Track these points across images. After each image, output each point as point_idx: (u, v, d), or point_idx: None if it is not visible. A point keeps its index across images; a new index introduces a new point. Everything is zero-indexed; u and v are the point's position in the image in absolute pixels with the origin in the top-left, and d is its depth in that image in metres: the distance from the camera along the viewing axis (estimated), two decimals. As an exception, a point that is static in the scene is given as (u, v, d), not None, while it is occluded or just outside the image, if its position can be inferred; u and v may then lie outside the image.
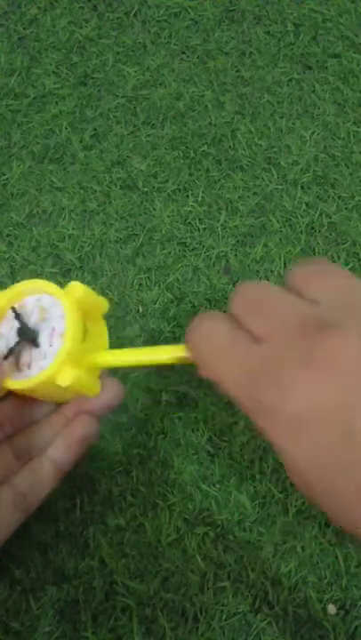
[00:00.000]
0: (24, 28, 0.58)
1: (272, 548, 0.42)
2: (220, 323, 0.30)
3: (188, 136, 0.55)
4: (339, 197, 0.53)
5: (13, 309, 0.38)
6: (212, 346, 0.30)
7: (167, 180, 0.53)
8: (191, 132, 0.55)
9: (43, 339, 0.37)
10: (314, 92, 0.58)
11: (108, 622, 0.40)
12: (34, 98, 0.56)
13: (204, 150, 0.55)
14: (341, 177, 0.54)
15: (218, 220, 0.52)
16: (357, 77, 0.58)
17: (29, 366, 0.37)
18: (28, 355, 0.37)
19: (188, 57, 0.58)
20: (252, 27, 0.60)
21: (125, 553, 0.42)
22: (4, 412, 0.39)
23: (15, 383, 0.36)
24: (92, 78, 0.57)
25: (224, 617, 0.40)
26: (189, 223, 0.52)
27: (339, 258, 0.51)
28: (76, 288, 0.36)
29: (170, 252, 0.51)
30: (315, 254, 0.51)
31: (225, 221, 0.52)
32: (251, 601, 0.41)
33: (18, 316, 0.37)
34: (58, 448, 0.38)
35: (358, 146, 0.55)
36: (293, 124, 0.56)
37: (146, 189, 0.53)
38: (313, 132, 0.56)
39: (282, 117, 0.56)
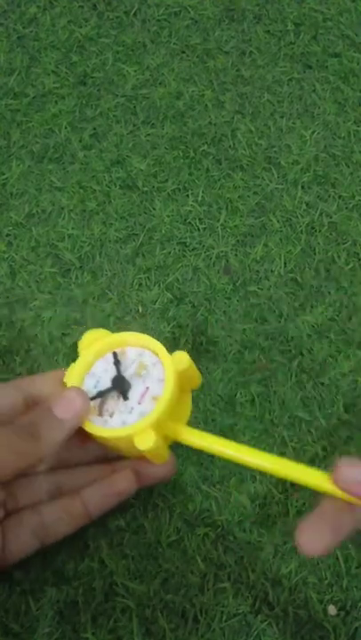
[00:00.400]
0: (23, 27, 0.58)
1: (272, 549, 0.42)
2: None
3: (187, 135, 0.55)
4: (339, 197, 0.53)
5: (115, 354, 0.39)
6: None
7: (167, 180, 0.53)
8: (191, 131, 0.55)
9: (133, 394, 0.38)
10: (314, 91, 0.57)
11: (107, 623, 0.40)
12: (33, 97, 0.56)
13: (204, 150, 0.54)
14: (342, 176, 0.54)
15: (218, 220, 0.52)
16: (358, 77, 0.58)
17: (111, 415, 0.37)
18: (113, 404, 0.38)
19: (187, 56, 0.58)
20: (252, 26, 0.60)
21: (125, 554, 0.42)
22: (68, 445, 0.39)
23: (94, 428, 0.36)
24: (92, 77, 0.57)
25: (224, 618, 0.40)
26: (189, 223, 0.52)
27: (339, 258, 0.51)
28: (183, 359, 0.37)
29: (170, 252, 0.51)
30: (315, 254, 0.51)
31: (225, 221, 0.52)
32: (251, 602, 0.41)
33: (117, 363, 0.38)
34: (94, 494, 0.38)
35: (359, 145, 0.55)
36: (294, 123, 0.56)
37: (146, 189, 0.53)
38: (313, 132, 0.56)
39: (282, 117, 0.56)
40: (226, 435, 0.45)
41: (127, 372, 0.38)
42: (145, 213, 0.52)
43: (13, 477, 0.34)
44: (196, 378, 0.39)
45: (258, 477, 0.44)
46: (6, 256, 0.50)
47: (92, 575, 0.41)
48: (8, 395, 0.37)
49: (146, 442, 0.35)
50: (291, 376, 0.47)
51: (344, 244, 0.51)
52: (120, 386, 0.37)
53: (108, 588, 0.41)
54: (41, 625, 0.40)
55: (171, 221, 0.52)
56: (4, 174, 0.53)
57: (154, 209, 0.52)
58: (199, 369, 0.46)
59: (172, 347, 0.46)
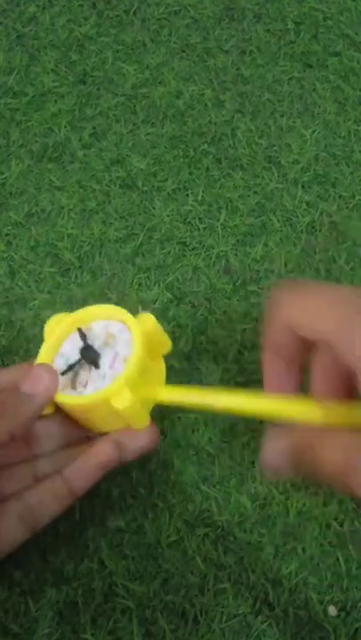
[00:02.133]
0: (23, 26, 0.58)
1: (273, 550, 0.42)
2: None
3: (187, 135, 0.55)
4: (340, 196, 0.53)
5: (80, 330, 0.38)
6: None
7: (167, 179, 0.53)
8: (191, 130, 0.55)
9: (104, 361, 0.37)
10: (314, 90, 0.57)
11: (107, 624, 0.40)
12: (33, 96, 0.56)
13: (203, 149, 0.54)
14: (342, 176, 0.54)
15: (218, 220, 0.52)
16: (358, 76, 0.58)
17: (85, 386, 0.37)
18: (86, 375, 0.38)
19: (187, 55, 0.58)
20: (252, 25, 0.60)
21: (125, 554, 0.41)
22: (48, 429, 0.38)
23: (68, 397, 0.36)
24: (92, 76, 0.57)
25: (224, 618, 0.40)
26: (189, 222, 0.52)
27: (339, 257, 0.51)
28: (148, 320, 0.37)
29: (169, 252, 0.51)
30: (315, 254, 0.51)
31: (225, 221, 0.52)
32: (251, 602, 0.41)
33: (83, 337, 0.38)
34: (74, 470, 0.37)
35: (359, 145, 0.55)
36: (294, 122, 0.56)
37: (145, 188, 0.53)
38: (313, 131, 0.55)
39: (282, 116, 0.56)
40: (226, 434, 0.45)
41: (96, 344, 0.38)
42: (145, 213, 0.52)
43: None
44: (165, 342, 0.39)
45: (258, 478, 0.44)
46: (6, 256, 0.50)
47: (91, 576, 0.41)
48: None
49: (122, 401, 0.34)
50: (291, 376, 0.47)
51: (344, 243, 0.51)
52: (89, 355, 0.37)
53: (107, 588, 0.41)
54: (40, 626, 0.40)
55: (171, 221, 0.52)
56: (3, 173, 0.52)
57: (154, 208, 0.52)
58: (199, 369, 0.46)
59: (171, 346, 0.46)
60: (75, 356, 0.38)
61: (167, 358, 0.46)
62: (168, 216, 0.52)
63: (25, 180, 0.52)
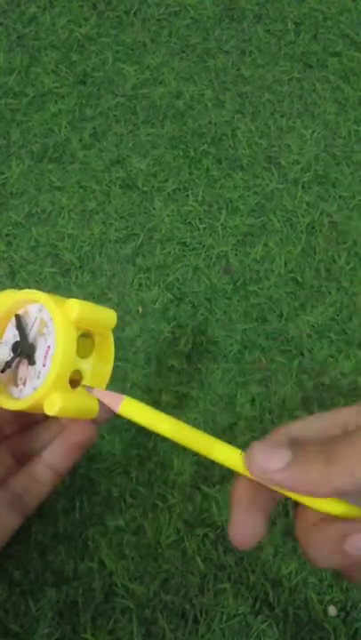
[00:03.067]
0: (23, 27, 0.58)
1: (273, 550, 0.42)
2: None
3: (187, 135, 0.55)
4: (340, 197, 0.53)
5: (17, 317, 0.36)
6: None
7: (167, 180, 0.53)
8: (191, 130, 0.55)
9: (38, 355, 0.34)
10: (314, 90, 0.57)
11: (107, 624, 0.40)
12: (33, 97, 0.56)
13: (204, 149, 0.54)
14: (342, 176, 0.54)
15: (218, 220, 0.52)
16: (358, 76, 0.58)
17: (24, 383, 0.35)
18: (24, 370, 0.35)
19: (187, 55, 0.58)
20: (252, 25, 0.60)
21: (125, 554, 0.41)
22: (1, 413, 0.38)
23: (8, 403, 0.34)
24: (92, 77, 0.57)
25: (224, 619, 0.40)
26: (189, 223, 0.52)
27: (340, 258, 0.51)
28: (73, 307, 0.33)
29: (170, 252, 0.51)
30: (315, 254, 0.51)
31: (225, 221, 0.52)
32: (251, 602, 0.41)
33: (19, 326, 0.35)
34: (53, 453, 0.37)
35: (359, 145, 0.55)
36: (294, 122, 0.56)
37: (145, 189, 0.53)
38: (313, 131, 0.55)
39: (282, 116, 0.56)
40: (226, 434, 0.45)
41: (32, 333, 0.35)
42: (145, 213, 0.52)
43: None
44: (106, 317, 0.35)
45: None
46: (6, 256, 0.50)
47: (91, 576, 0.41)
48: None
49: (52, 406, 0.32)
50: (291, 376, 0.47)
51: (344, 243, 0.51)
52: (24, 351, 0.34)
53: (107, 588, 0.41)
54: (40, 625, 0.40)
55: (171, 221, 0.52)
56: (3, 174, 0.52)
57: (154, 209, 0.52)
58: (199, 369, 0.46)
59: (171, 346, 0.46)
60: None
61: (167, 358, 0.46)
62: (168, 216, 0.52)
63: (25, 180, 0.52)
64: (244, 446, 0.44)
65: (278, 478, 0.28)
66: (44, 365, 0.34)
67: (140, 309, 0.48)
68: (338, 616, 0.41)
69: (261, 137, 0.55)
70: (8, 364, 0.35)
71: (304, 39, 0.59)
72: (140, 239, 0.51)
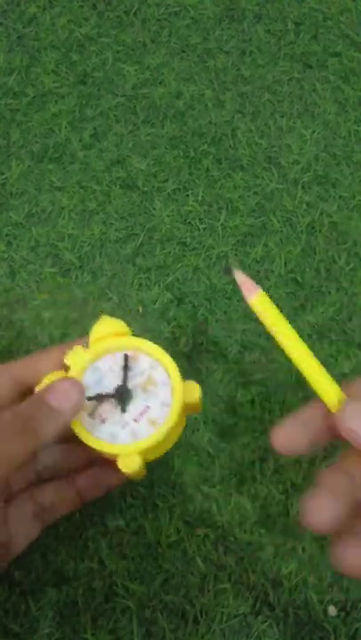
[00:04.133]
0: (23, 27, 0.58)
1: (273, 550, 0.42)
2: None
3: (188, 135, 0.55)
4: (340, 197, 0.53)
5: (126, 357, 0.36)
6: None
7: (167, 180, 0.53)
8: (191, 131, 0.55)
9: (132, 408, 0.35)
10: (314, 90, 0.57)
11: (107, 624, 0.40)
12: (33, 97, 0.56)
13: (204, 149, 0.54)
14: (342, 176, 0.54)
15: (218, 220, 0.52)
16: (358, 76, 0.58)
17: (103, 421, 0.35)
18: (108, 410, 0.35)
19: (188, 56, 0.58)
20: (252, 25, 0.60)
21: (125, 554, 0.41)
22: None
23: (83, 433, 0.34)
24: (92, 77, 0.57)
25: (224, 619, 0.40)
26: (189, 223, 0.52)
27: (340, 258, 0.51)
28: (194, 391, 0.35)
29: (170, 252, 0.51)
30: (315, 254, 0.51)
31: (225, 221, 0.52)
32: (251, 603, 0.41)
33: (126, 368, 0.36)
34: (87, 481, 0.38)
35: (359, 145, 0.55)
36: (294, 123, 0.56)
37: (146, 189, 0.53)
38: (313, 131, 0.55)
39: (282, 116, 0.56)
40: (226, 434, 0.45)
41: (133, 381, 0.36)
42: (145, 213, 0.52)
43: (6, 478, 0.33)
44: (200, 407, 0.37)
45: (258, 478, 0.44)
46: (6, 256, 0.50)
47: (91, 576, 0.41)
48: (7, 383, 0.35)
49: (129, 465, 0.33)
50: (291, 376, 0.47)
51: (344, 244, 0.51)
52: (122, 397, 0.35)
53: (107, 588, 0.41)
54: (41, 625, 0.40)
55: (171, 221, 0.52)
56: (3, 174, 0.53)
57: (154, 209, 0.52)
58: (199, 369, 0.46)
59: (171, 347, 0.46)
60: (109, 377, 0.36)
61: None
62: (168, 216, 0.52)
63: (25, 180, 0.52)
64: (244, 445, 0.45)
65: None
66: (135, 420, 0.35)
67: (140, 309, 0.48)
68: (338, 616, 0.41)
69: (261, 137, 0.55)
70: (100, 397, 0.35)
71: (304, 39, 0.59)
72: (141, 239, 0.51)
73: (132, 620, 0.40)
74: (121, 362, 0.36)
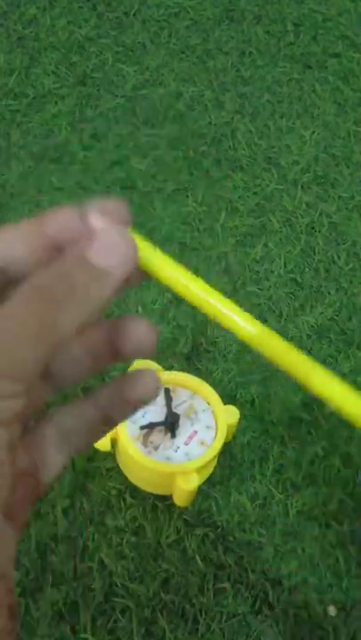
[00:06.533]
0: (23, 28, 0.58)
1: (272, 550, 0.42)
2: None
3: (187, 136, 0.55)
4: (339, 197, 0.53)
5: (167, 390, 0.41)
6: None
7: (167, 181, 0.53)
8: (191, 131, 0.55)
9: (181, 433, 0.40)
10: (314, 91, 0.57)
11: (107, 623, 0.40)
12: (33, 98, 0.56)
13: (203, 150, 0.54)
14: (342, 177, 0.54)
15: (218, 220, 0.52)
16: (357, 77, 0.58)
17: (156, 448, 0.39)
18: (159, 437, 0.40)
19: (187, 56, 0.58)
20: (251, 26, 0.60)
21: (125, 554, 0.41)
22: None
23: (138, 454, 0.38)
24: (92, 78, 0.57)
25: (224, 618, 0.40)
26: (189, 223, 0.52)
27: (339, 258, 0.51)
28: (234, 413, 0.40)
29: (170, 253, 0.51)
30: (315, 254, 0.51)
31: (225, 221, 0.52)
32: (251, 602, 0.41)
33: (169, 400, 0.40)
34: (112, 404, 0.32)
35: (359, 145, 0.55)
36: (293, 123, 0.56)
37: (145, 189, 0.53)
38: (313, 132, 0.56)
39: (282, 117, 0.56)
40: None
41: (176, 410, 0.40)
42: (145, 214, 0.52)
43: (44, 364, 0.23)
44: (233, 433, 0.42)
45: (258, 478, 0.44)
46: (6, 256, 0.50)
47: (91, 576, 0.41)
48: (21, 241, 0.24)
49: (190, 482, 0.38)
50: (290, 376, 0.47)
51: (344, 244, 0.51)
52: (172, 423, 0.40)
53: (107, 588, 0.41)
54: (41, 625, 0.40)
55: (171, 222, 0.52)
56: (3, 174, 0.53)
57: (154, 209, 0.52)
58: (199, 369, 0.46)
59: (171, 347, 0.46)
60: (152, 409, 0.40)
61: (167, 358, 0.46)
62: (168, 217, 0.52)
63: (25, 181, 0.52)
64: (245, 447, 0.45)
65: None
66: (185, 444, 0.39)
67: (140, 310, 0.48)
68: (337, 616, 0.41)
69: (261, 138, 0.55)
70: (152, 425, 0.39)
71: (304, 40, 0.59)
72: (140, 240, 0.51)
73: (131, 620, 0.40)
74: (161, 396, 0.41)
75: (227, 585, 0.41)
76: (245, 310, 0.48)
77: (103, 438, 0.38)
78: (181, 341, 0.47)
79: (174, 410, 0.40)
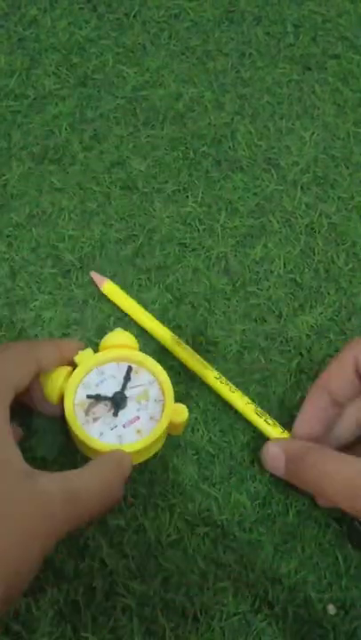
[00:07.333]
0: (24, 29, 0.58)
1: (272, 549, 0.42)
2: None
3: (187, 137, 0.55)
4: (339, 198, 0.53)
5: (129, 368, 0.41)
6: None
7: (167, 181, 0.53)
8: (191, 132, 0.55)
9: (123, 414, 0.39)
10: (314, 92, 0.58)
11: (108, 623, 0.40)
12: (34, 99, 0.56)
13: (203, 151, 0.55)
14: (341, 177, 0.54)
15: (217, 221, 0.52)
16: (357, 78, 0.58)
17: (94, 420, 0.39)
18: (101, 410, 0.40)
19: (187, 58, 0.58)
20: (251, 27, 0.60)
21: (125, 553, 0.42)
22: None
23: (76, 425, 0.38)
24: (92, 79, 0.57)
25: (224, 617, 0.41)
26: (189, 224, 0.52)
27: (338, 258, 0.51)
28: (182, 414, 0.40)
29: (169, 253, 0.51)
30: (314, 255, 0.51)
31: (225, 222, 0.52)
32: (251, 601, 0.41)
33: (127, 379, 0.40)
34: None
35: (358, 146, 0.56)
36: (293, 124, 0.56)
37: (145, 190, 0.53)
38: (313, 133, 0.56)
39: (282, 118, 0.56)
40: (226, 434, 0.45)
41: (130, 391, 0.40)
42: (145, 214, 0.52)
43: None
44: (182, 429, 0.42)
45: (258, 477, 0.44)
46: (7, 257, 0.50)
47: (92, 575, 0.41)
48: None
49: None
50: (290, 376, 0.47)
51: (343, 244, 0.52)
52: (117, 401, 0.39)
53: (108, 587, 0.41)
54: (41, 625, 0.40)
55: (170, 222, 0.52)
56: (4, 175, 0.53)
57: (154, 210, 0.52)
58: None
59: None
60: (109, 382, 0.40)
61: (167, 358, 0.46)
62: (168, 217, 0.52)
63: (26, 181, 0.53)
64: (245, 447, 0.45)
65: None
66: (123, 426, 0.39)
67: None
68: (337, 614, 0.41)
69: (261, 138, 0.55)
70: (98, 397, 0.39)
71: (303, 41, 0.60)
72: (140, 240, 0.51)
73: (132, 619, 0.40)
74: (124, 372, 0.41)
75: (227, 584, 0.41)
76: (245, 310, 0.50)
77: (52, 390, 0.38)
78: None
79: (128, 390, 0.40)
